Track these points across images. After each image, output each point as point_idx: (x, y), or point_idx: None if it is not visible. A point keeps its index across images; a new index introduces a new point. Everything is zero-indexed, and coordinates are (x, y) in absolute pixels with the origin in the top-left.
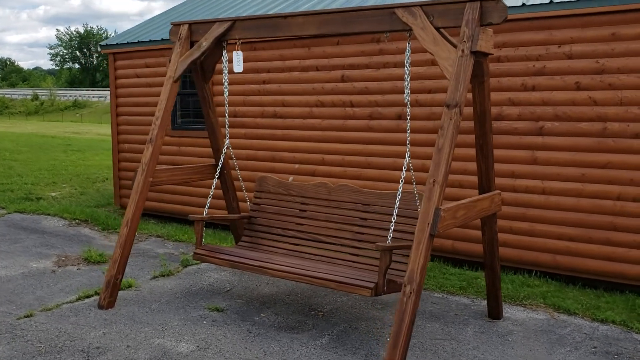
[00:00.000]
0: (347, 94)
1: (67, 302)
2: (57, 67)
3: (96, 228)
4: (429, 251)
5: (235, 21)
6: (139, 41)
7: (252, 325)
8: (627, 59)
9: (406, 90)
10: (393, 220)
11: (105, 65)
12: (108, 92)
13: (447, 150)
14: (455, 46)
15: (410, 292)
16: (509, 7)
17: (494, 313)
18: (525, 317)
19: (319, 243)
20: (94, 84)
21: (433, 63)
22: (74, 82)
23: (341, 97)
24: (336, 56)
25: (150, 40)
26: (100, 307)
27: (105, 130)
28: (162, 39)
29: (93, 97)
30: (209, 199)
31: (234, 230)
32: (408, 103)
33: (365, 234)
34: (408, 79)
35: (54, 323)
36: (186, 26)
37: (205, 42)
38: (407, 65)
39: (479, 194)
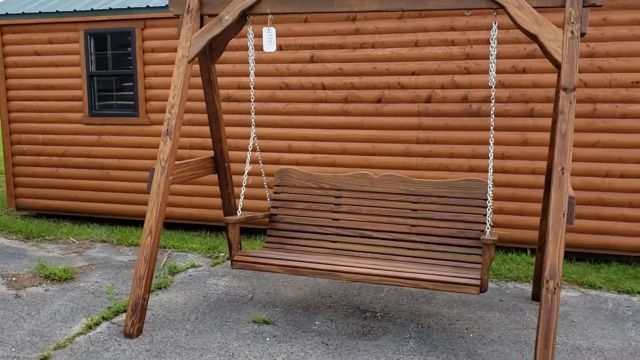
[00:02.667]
0: (318, 76)
1: (78, 334)
2: None
3: (15, 237)
4: (564, 243)
5: None
6: (40, 12)
7: (320, 336)
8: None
9: (491, 73)
10: (489, 212)
11: None
12: None
13: (571, 135)
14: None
15: (555, 287)
16: None
17: (539, 296)
18: (563, 297)
19: (365, 239)
20: None
21: (417, 44)
22: None
23: (311, 79)
24: (304, 35)
25: (57, 12)
26: (128, 335)
27: None
28: (75, 10)
29: None
30: (242, 198)
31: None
32: (493, 86)
33: (420, 226)
34: (494, 61)
35: None
36: None
37: (228, 16)
38: (492, 45)
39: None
